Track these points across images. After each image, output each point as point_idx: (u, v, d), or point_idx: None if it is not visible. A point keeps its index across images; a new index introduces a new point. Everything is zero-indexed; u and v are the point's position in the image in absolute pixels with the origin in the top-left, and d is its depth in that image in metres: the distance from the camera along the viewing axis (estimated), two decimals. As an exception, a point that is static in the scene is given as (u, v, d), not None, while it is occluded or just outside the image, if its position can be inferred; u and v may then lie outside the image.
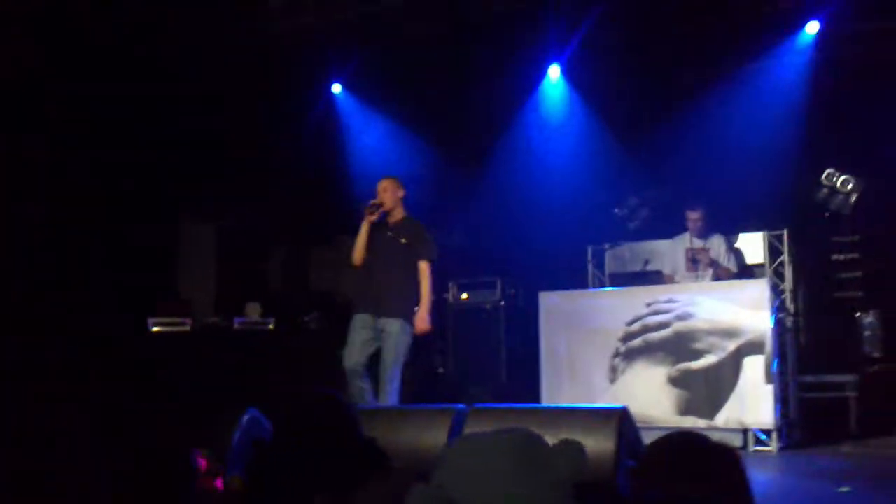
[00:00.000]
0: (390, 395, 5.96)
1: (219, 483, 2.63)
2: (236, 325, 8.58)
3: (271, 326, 8.71)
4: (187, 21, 8.00)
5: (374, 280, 6.18)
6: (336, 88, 9.66)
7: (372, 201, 6.32)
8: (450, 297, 9.07)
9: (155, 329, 8.14)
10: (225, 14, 8.09)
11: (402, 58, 8.86)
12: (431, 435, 4.83)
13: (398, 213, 6.37)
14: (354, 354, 6.07)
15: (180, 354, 8.00)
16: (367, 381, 6.05)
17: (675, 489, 1.61)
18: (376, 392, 6.02)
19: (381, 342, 6.08)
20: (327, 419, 2.23)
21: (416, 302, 6.19)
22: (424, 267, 6.17)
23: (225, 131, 8.97)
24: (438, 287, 9.07)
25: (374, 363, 6.12)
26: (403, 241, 6.21)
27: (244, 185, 9.43)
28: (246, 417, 3.42)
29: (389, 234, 6.26)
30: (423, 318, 6.13)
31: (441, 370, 8.97)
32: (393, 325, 6.05)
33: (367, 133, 9.77)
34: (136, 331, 8.06)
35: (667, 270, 7.66)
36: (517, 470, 1.72)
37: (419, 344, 8.96)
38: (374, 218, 6.27)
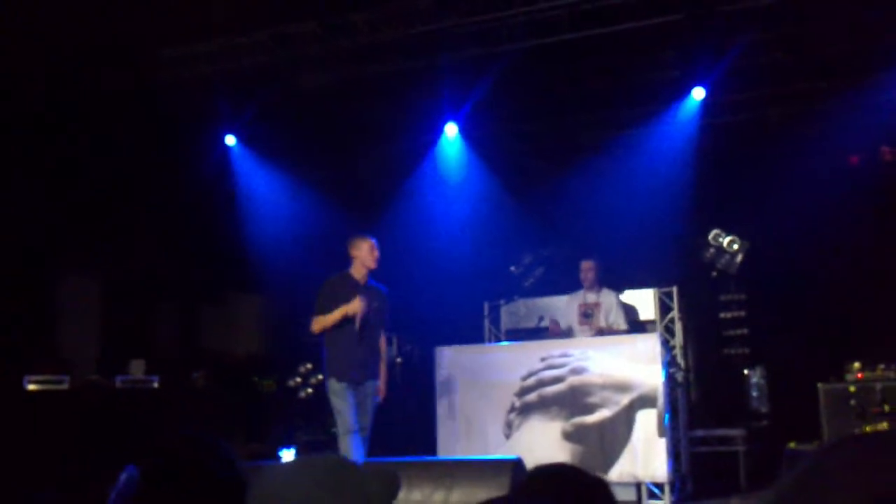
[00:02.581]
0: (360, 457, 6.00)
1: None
2: (118, 384, 8.19)
3: (156, 384, 8.35)
4: (72, 70, 7.79)
5: (358, 344, 6.08)
6: (230, 140, 9.50)
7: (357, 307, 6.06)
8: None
9: (31, 387, 7.70)
10: (113, 63, 7.91)
11: (298, 112, 8.82)
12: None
13: (365, 272, 6.35)
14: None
15: (58, 413, 7.59)
16: None
17: None
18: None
19: (358, 408, 6.09)
20: (194, 460, 2.08)
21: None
22: (382, 336, 6.29)
23: (112, 182, 8.70)
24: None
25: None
26: (376, 305, 6.23)
27: (132, 238, 9.13)
28: (124, 476, 3.22)
29: (365, 297, 6.17)
30: (383, 389, 6.26)
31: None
32: (371, 391, 6.15)
33: (262, 187, 9.62)
34: (11, 389, 7.63)
35: (563, 326, 7.70)
36: (326, 494, 1.64)
37: (315, 404, 8.80)
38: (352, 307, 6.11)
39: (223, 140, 9.50)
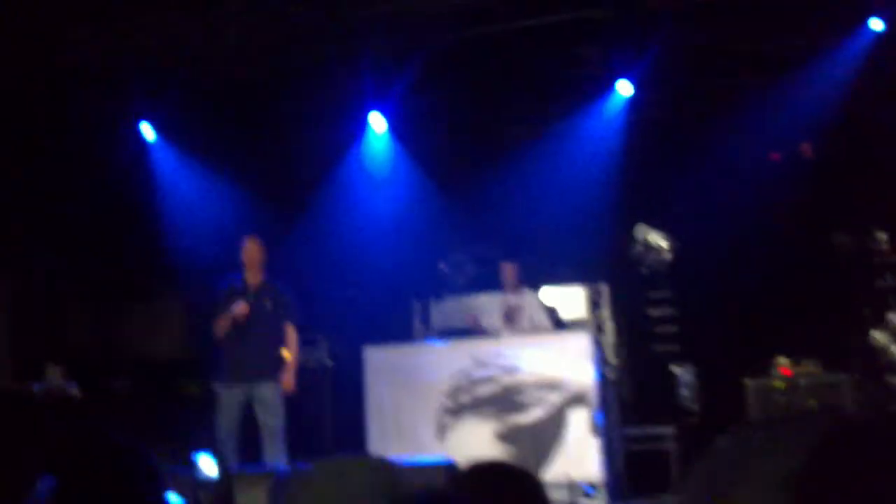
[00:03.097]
0: (280, 456, 6.02)
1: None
2: (36, 390, 7.86)
3: (75, 391, 8.04)
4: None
5: (241, 346, 6.20)
6: (146, 130, 9.12)
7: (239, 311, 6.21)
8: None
9: (-61, 396, 7.33)
10: (16, 46, 7.52)
11: (218, 103, 8.57)
12: (251, 498, 4.53)
13: (261, 277, 6.39)
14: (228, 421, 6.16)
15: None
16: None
17: None
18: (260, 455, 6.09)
19: (256, 407, 6.14)
20: (113, 467, 1.96)
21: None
22: (290, 330, 6.27)
23: (22, 177, 8.33)
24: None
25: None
26: (268, 304, 6.28)
27: (44, 236, 8.77)
28: (40, 485, 3.04)
29: (251, 298, 6.27)
30: (290, 382, 6.24)
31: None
32: (268, 390, 6.14)
33: (183, 180, 9.32)
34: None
35: (488, 325, 7.64)
36: (369, 498, 1.64)
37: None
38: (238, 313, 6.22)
39: (139, 130, 9.14)
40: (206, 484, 5.41)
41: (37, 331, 9.08)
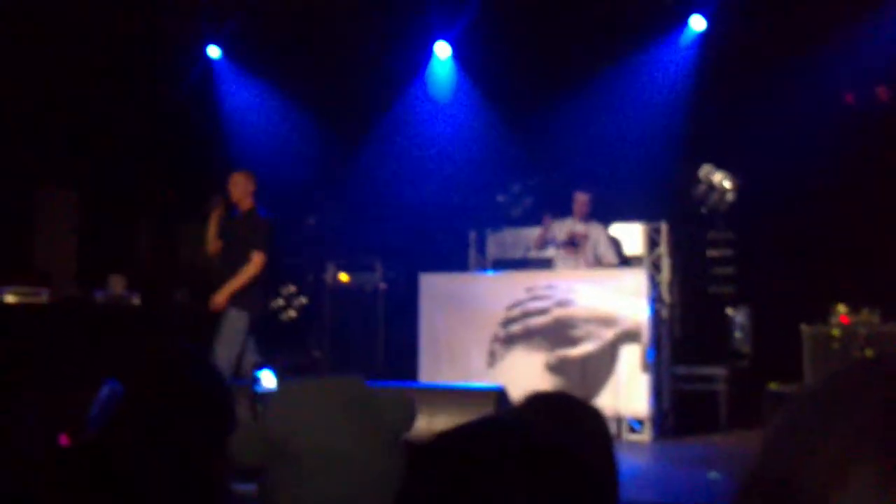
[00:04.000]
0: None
1: (64, 439, 2.37)
2: (98, 298, 8.09)
3: (135, 301, 8.26)
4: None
5: (219, 270, 6.50)
6: (213, 52, 9.21)
7: (212, 200, 6.60)
8: (328, 277, 8.81)
9: (8, 299, 7.59)
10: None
11: (285, 26, 8.57)
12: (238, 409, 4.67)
13: (244, 205, 6.49)
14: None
15: (36, 327, 7.50)
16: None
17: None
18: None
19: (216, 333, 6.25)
20: (178, 373, 2.02)
21: (257, 291, 6.39)
22: (254, 255, 6.28)
23: (92, 95, 8.46)
24: (316, 267, 8.85)
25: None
26: (245, 235, 6.39)
27: (112, 153, 8.93)
28: (105, 390, 3.14)
29: (232, 225, 6.49)
30: (218, 295, 6.24)
31: (317, 353, 8.70)
32: (228, 318, 6.23)
33: (247, 102, 9.39)
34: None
35: (549, 253, 7.63)
36: (344, 417, 1.61)
37: (297, 328, 8.74)
38: (216, 211, 6.54)
39: (206, 52, 9.22)
40: (264, 396, 5.58)
41: (102, 242, 9.31)
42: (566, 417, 1.73)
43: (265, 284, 6.58)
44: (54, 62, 8.09)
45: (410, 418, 1.78)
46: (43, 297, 7.73)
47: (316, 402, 1.64)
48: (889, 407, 0.72)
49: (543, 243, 7.43)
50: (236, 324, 6.23)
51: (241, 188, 6.50)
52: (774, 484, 0.77)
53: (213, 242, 6.61)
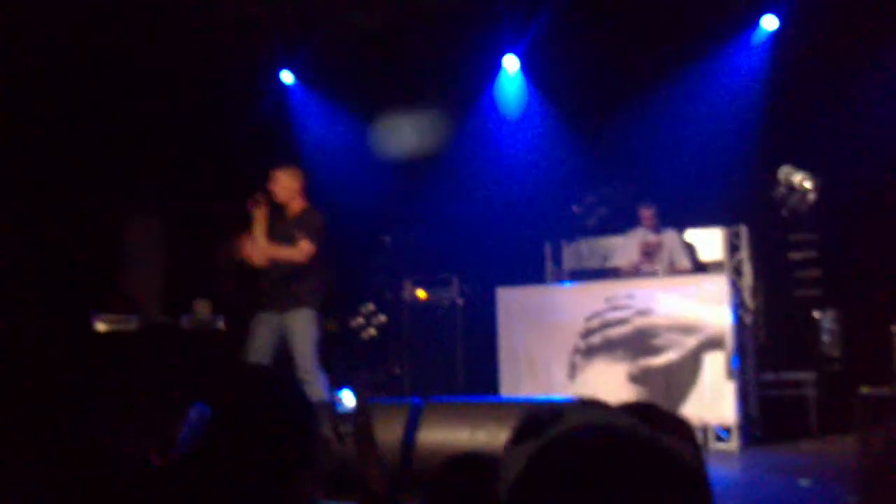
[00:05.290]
0: (318, 390, 5.47)
1: (155, 459, 2.45)
2: (184, 324, 8.30)
3: (221, 325, 8.44)
4: (131, 9, 7.77)
5: (273, 276, 5.82)
6: (287, 77, 9.44)
7: (255, 196, 5.90)
8: (405, 294, 8.88)
9: (100, 327, 7.84)
10: (168, 8, 7.86)
11: (355, 49, 8.71)
12: (388, 429, 4.69)
13: (295, 206, 5.89)
14: (256, 356, 5.66)
15: (127, 353, 7.72)
16: None
17: None
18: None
19: (288, 340, 5.66)
20: (265, 395, 2.06)
21: (320, 291, 5.83)
22: (301, 242, 5.69)
23: (174, 123, 8.72)
24: (393, 284, 8.93)
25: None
26: (296, 233, 5.75)
27: (195, 178, 9.17)
28: (194, 413, 3.23)
29: (283, 228, 5.84)
30: (254, 247, 5.81)
31: (398, 370, 8.78)
32: (297, 319, 5.64)
33: (320, 125, 9.57)
34: (81, 329, 7.77)
35: (622, 264, 7.59)
36: None
37: (377, 345, 8.82)
38: (259, 211, 5.86)
39: (279, 78, 9.44)
40: (346, 416, 5.61)
41: (187, 266, 9.55)
42: (658, 424, 1.75)
43: (326, 287, 5.97)
44: (135, 91, 8.35)
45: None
46: (132, 324, 7.95)
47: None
48: None
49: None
50: (308, 323, 5.62)
51: (285, 187, 5.87)
52: None
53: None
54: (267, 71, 9.34)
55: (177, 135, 8.85)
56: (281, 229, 5.81)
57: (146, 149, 8.76)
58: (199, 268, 9.80)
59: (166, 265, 9.66)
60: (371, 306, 8.73)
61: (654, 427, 1.74)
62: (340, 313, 9.07)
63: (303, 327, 5.60)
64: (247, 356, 5.72)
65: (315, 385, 5.46)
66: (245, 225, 9.99)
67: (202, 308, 8.47)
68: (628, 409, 1.82)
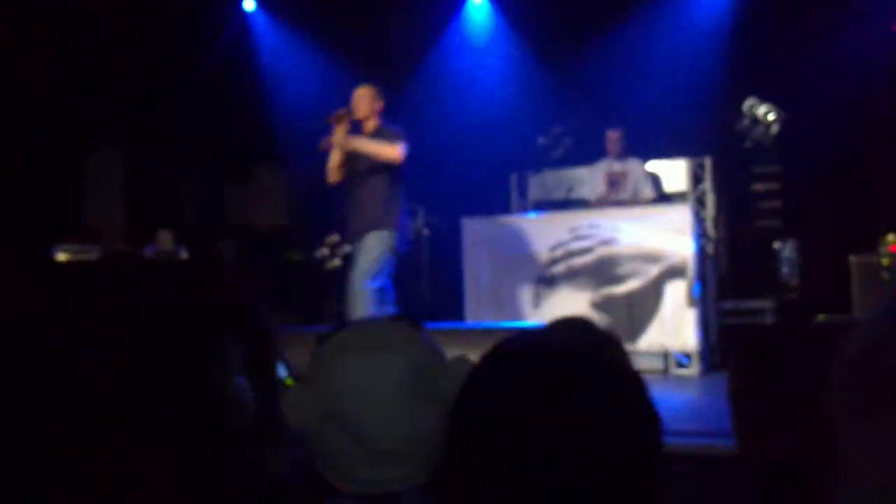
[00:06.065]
0: (360, 306, 5.50)
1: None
2: (147, 254, 8.22)
3: (184, 255, 8.38)
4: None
5: (350, 198, 5.79)
6: (249, 5, 9.25)
7: (337, 111, 5.76)
8: (370, 225, 8.84)
9: (61, 257, 7.74)
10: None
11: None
12: (298, 352, 4.70)
13: (372, 124, 5.78)
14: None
15: (89, 283, 7.65)
16: None
17: None
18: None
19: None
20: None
21: (399, 215, 5.78)
22: (393, 149, 5.63)
23: (134, 54, 8.53)
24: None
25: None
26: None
27: (156, 110, 9.02)
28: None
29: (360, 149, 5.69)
30: (339, 135, 5.70)
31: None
32: (367, 239, 5.61)
33: (285, 55, 9.41)
34: (41, 259, 7.67)
35: (588, 196, 7.63)
36: (398, 382, 1.55)
37: (342, 276, 8.80)
38: (342, 129, 5.71)
39: (241, 5, 9.25)
40: (325, 337, 5.56)
41: (148, 198, 9.45)
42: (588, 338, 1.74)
43: (405, 217, 5.93)
44: (94, 23, 8.16)
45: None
46: (93, 253, 7.87)
47: (376, 367, 1.57)
48: None
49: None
50: (382, 248, 5.60)
51: (366, 104, 5.76)
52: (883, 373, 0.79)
53: (335, 170, 5.83)
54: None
55: (135, 65, 8.66)
56: (355, 153, 5.74)
57: (105, 80, 8.57)
58: (160, 200, 9.70)
59: (128, 196, 9.54)
60: (336, 237, 8.70)
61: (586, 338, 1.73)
62: (304, 243, 9.04)
63: (369, 245, 5.62)
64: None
65: (357, 305, 5.51)
66: (205, 162, 9.90)
67: (165, 238, 8.40)
68: (561, 323, 1.82)
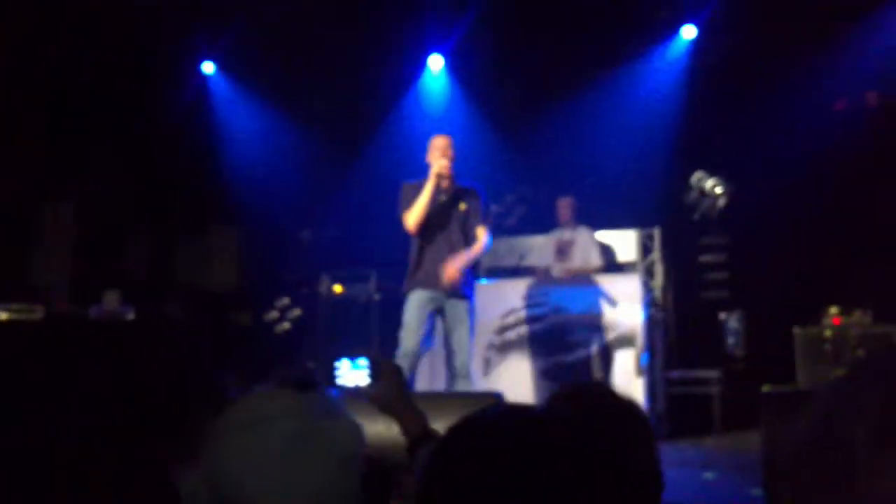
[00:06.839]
0: (475, 381, 5.44)
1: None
2: (92, 315, 8.08)
3: (130, 316, 8.26)
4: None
5: (434, 252, 5.62)
6: (208, 68, 9.32)
7: (444, 164, 5.61)
8: (322, 289, 8.82)
9: (2, 316, 7.58)
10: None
11: (279, 41, 8.64)
12: None
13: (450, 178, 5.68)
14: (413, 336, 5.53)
15: (31, 343, 7.48)
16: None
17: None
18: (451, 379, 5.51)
19: (447, 323, 5.59)
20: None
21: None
22: (482, 231, 5.63)
23: (88, 110, 8.51)
24: (310, 279, 8.86)
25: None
26: (463, 206, 5.62)
27: (108, 168, 8.96)
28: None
29: (444, 199, 5.62)
30: (454, 267, 5.52)
31: (311, 364, 8.70)
32: (463, 306, 5.56)
33: (242, 117, 9.46)
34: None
35: (538, 263, 7.70)
36: (289, 452, 1.50)
37: (291, 339, 8.73)
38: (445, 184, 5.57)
39: (201, 67, 9.31)
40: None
41: (96, 257, 9.32)
42: (603, 410, 1.67)
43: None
44: (50, 78, 8.15)
45: (359, 441, 1.65)
46: (37, 314, 7.71)
47: (258, 439, 1.53)
48: None
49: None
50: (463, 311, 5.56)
51: (447, 153, 5.70)
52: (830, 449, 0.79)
53: (422, 217, 5.65)
54: (187, 60, 9.20)
55: (92, 122, 8.64)
56: (442, 204, 5.67)
57: (57, 135, 8.53)
58: (109, 258, 9.58)
59: (76, 254, 9.41)
60: (286, 300, 8.65)
61: (604, 413, 1.66)
62: (254, 307, 8.97)
63: (467, 316, 5.61)
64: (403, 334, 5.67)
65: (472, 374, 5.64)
66: (159, 219, 9.83)
67: (111, 299, 8.27)
68: (575, 389, 1.75)
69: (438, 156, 5.66)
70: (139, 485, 1.68)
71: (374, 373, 2.16)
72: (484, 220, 5.64)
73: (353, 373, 2.21)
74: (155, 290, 9.52)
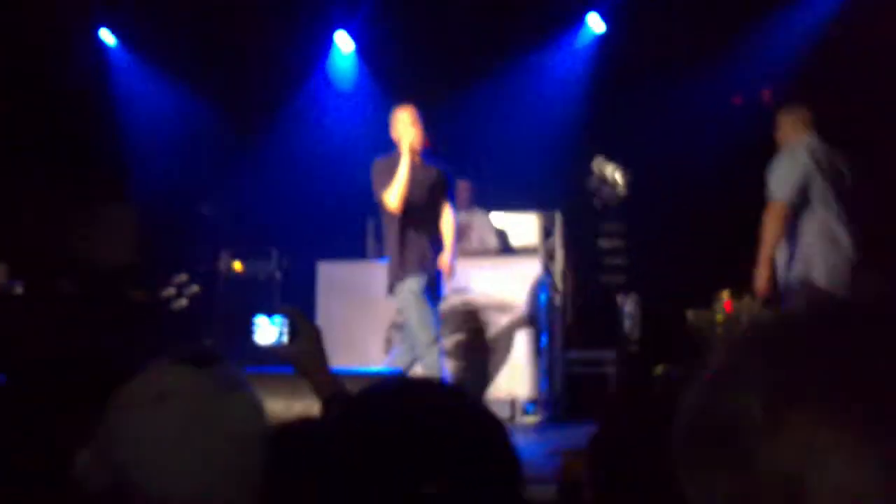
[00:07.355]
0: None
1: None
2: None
3: (19, 290, 7.99)
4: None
5: (415, 232, 5.53)
6: (106, 35, 9.01)
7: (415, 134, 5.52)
8: (221, 266, 8.67)
9: None
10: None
11: (184, 12, 8.44)
12: None
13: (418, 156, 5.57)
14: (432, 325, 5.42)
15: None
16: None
17: None
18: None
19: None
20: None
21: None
22: (449, 209, 5.63)
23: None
24: (209, 255, 8.70)
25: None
26: (433, 180, 5.54)
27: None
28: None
29: (418, 174, 5.47)
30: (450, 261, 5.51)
31: (209, 342, 8.55)
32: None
33: (143, 89, 9.20)
34: None
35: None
36: (186, 429, 1.48)
37: (188, 316, 8.56)
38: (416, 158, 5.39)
39: (98, 37, 9.00)
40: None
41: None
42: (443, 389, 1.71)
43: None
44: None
45: (259, 416, 1.62)
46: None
47: (152, 417, 1.49)
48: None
49: None
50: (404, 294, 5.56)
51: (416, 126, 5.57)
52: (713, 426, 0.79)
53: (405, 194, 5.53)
54: (84, 28, 8.89)
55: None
56: (418, 180, 5.54)
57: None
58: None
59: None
60: (184, 276, 8.47)
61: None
62: (151, 282, 8.75)
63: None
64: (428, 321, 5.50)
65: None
66: (47, 189, 9.49)
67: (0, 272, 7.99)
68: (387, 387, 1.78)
69: (408, 127, 5.47)
70: (29, 464, 1.63)
71: (292, 331, 2.16)
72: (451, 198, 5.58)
73: (270, 329, 2.20)
74: (46, 265, 9.20)
